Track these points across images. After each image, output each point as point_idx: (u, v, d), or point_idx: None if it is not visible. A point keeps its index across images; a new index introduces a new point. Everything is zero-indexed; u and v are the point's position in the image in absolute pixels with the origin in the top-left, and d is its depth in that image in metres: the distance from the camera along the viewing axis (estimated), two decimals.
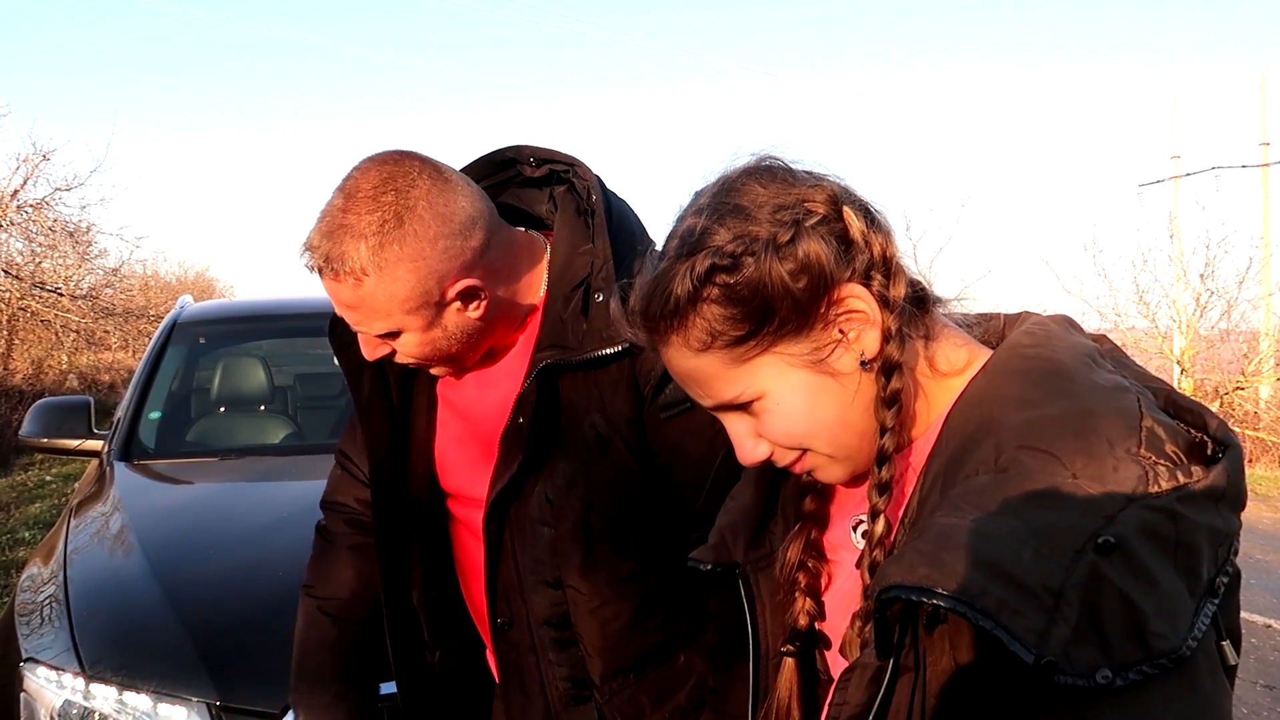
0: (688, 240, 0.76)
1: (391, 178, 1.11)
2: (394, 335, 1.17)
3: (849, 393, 0.76)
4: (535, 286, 1.26)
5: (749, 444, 0.81)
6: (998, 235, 32.56)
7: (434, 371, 1.27)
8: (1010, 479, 0.65)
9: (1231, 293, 11.91)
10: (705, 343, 0.76)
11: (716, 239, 0.75)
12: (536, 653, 1.27)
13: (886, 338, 0.75)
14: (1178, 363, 11.99)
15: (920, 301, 0.79)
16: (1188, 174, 15.22)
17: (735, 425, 0.82)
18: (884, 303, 0.75)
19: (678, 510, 1.21)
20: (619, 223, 1.22)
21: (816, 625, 0.88)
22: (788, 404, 0.77)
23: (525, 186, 1.32)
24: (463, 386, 1.33)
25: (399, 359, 1.21)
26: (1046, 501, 0.62)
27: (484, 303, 1.18)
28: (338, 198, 1.12)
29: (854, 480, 0.82)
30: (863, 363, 0.76)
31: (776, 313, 0.74)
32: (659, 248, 0.81)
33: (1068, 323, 0.81)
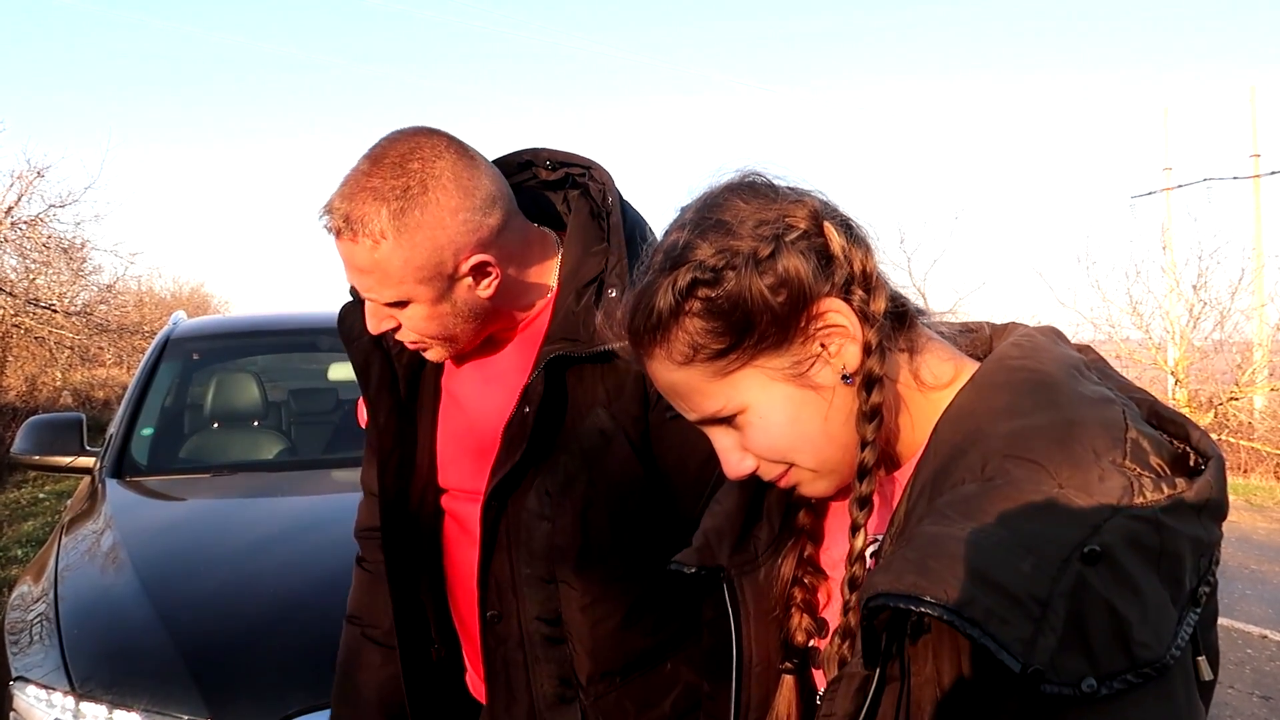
0: (670, 254, 0.77)
1: (419, 147, 1.13)
2: (402, 305, 1.17)
3: (831, 406, 0.77)
4: (545, 279, 1.27)
5: (734, 457, 0.82)
6: (992, 247, 32.69)
7: (431, 356, 1.27)
8: (997, 488, 0.65)
9: (1224, 303, 11.97)
10: (688, 356, 0.77)
11: (699, 253, 0.75)
12: (525, 649, 1.27)
13: (867, 351, 0.75)
14: (1172, 373, 12.01)
15: (902, 316, 0.79)
16: (1180, 186, 15.29)
17: (721, 439, 0.82)
18: (864, 317, 0.76)
19: (675, 514, 1.21)
20: (633, 225, 1.24)
21: (814, 643, 0.87)
22: (770, 417, 0.78)
23: (541, 189, 1.34)
24: (467, 379, 1.33)
25: (401, 335, 1.22)
26: (1033, 511, 0.63)
27: (495, 281, 1.19)
28: (363, 163, 1.13)
29: (846, 494, 0.82)
30: (844, 377, 0.76)
31: (756, 326, 0.75)
32: (643, 263, 0.82)
33: (1054, 334, 0.81)
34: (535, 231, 1.27)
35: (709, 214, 0.77)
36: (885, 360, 0.76)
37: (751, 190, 0.78)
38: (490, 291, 1.19)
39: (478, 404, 1.32)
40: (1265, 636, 4.81)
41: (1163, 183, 15.67)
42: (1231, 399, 11.40)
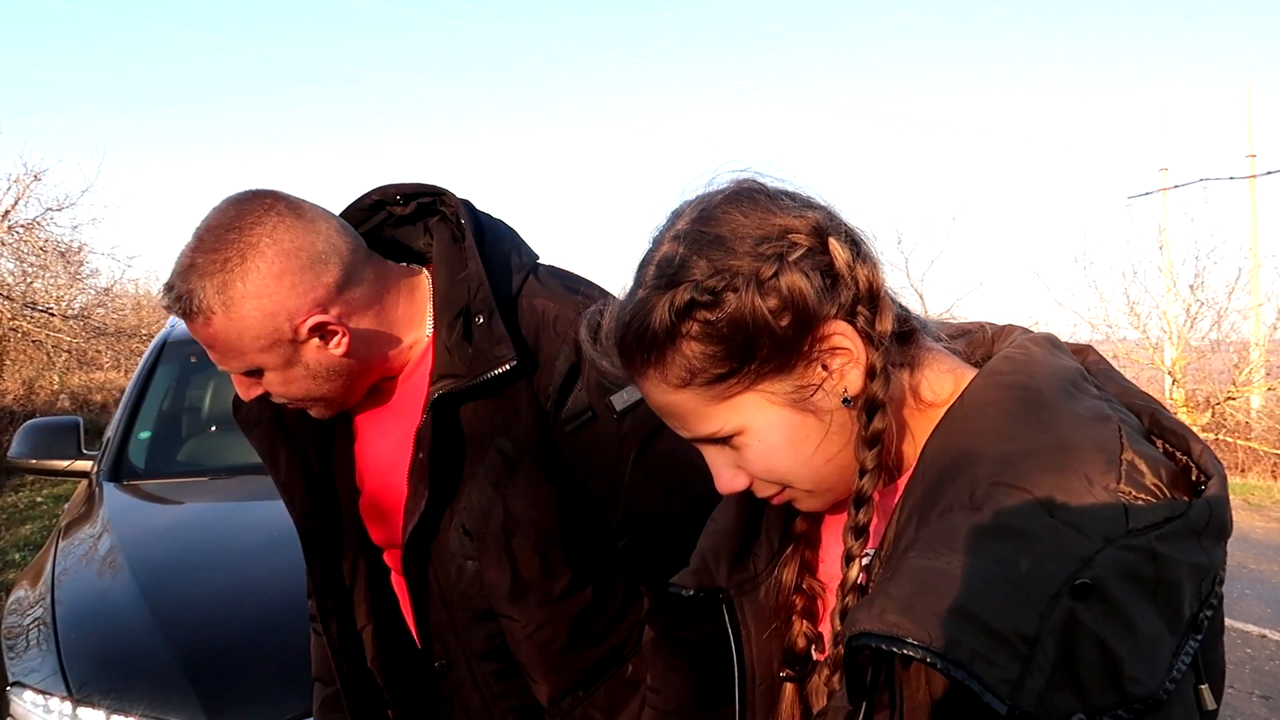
0: (665, 270, 0.73)
1: (240, 215, 1.11)
2: (257, 373, 1.16)
3: (831, 430, 0.74)
4: (418, 320, 1.24)
5: (727, 475, 0.79)
6: (989, 247, 32.73)
7: (314, 413, 1.25)
8: (985, 517, 0.62)
9: (1221, 303, 11.98)
10: (684, 379, 0.74)
11: (695, 272, 0.71)
12: (480, 689, 1.25)
13: (870, 374, 0.72)
14: (1169, 373, 12.02)
15: (905, 335, 0.76)
16: (1176, 186, 15.31)
17: (714, 456, 0.80)
18: (868, 338, 0.72)
19: (599, 521, 1.20)
20: (491, 242, 1.22)
21: (814, 655, 0.86)
22: (769, 440, 0.75)
23: (400, 224, 1.30)
24: (369, 435, 1.31)
25: (274, 398, 1.20)
26: (1022, 543, 0.60)
27: (345, 338, 1.15)
28: (190, 238, 1.11)
29: (841, 505, 0.80)
30: (845, 400, 0.73)
31: (758, 351, 0.71)
32: (635, 269, 0.77)
33: (1050, 343, 0.77)
34: (397, 274, 1.24)
35: (705, 227, 0.73)
36: (889, 383, 0.73)
37: (750, 201, 0.74)
38: (343, 349, 1.16)
39: (383, 457, 1.29)
40: (1265, 636, 4.81)
41: (1159, 183, 15.70)
42: (1228, 399, 11.40)
